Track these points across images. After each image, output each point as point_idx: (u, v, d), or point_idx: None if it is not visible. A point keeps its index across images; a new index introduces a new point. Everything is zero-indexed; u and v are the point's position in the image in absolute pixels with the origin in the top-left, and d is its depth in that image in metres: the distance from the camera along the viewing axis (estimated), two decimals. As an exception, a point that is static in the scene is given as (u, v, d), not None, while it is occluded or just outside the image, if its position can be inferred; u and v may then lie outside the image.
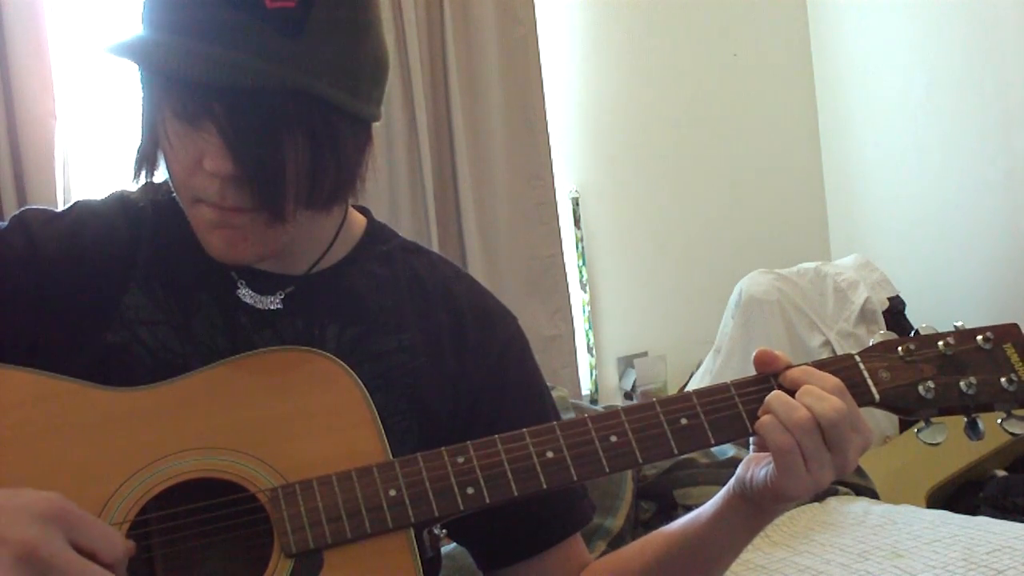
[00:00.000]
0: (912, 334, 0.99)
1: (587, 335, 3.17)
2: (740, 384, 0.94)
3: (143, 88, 0.91)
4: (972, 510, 2.47)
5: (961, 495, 2.76)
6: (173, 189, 0.94)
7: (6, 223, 0.99)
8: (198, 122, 0.86)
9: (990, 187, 3.10)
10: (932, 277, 3.28)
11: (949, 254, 3.26)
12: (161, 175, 0.96)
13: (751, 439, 0.95)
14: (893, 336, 0.99)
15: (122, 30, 0.90)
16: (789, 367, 0.94)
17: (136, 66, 0.89)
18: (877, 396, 0.95)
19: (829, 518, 2.17)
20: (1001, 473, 2.82)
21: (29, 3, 2.21)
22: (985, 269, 3.16)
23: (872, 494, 2.38)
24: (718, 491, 0.99)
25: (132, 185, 1.01)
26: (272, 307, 1.00)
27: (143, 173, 0.95)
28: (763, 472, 0.92)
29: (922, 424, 0.96)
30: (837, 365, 0.95)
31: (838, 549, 1.97)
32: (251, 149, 0.85)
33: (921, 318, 3.06)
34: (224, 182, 0.87)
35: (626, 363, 3.23)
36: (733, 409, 0.93)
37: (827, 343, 2.87)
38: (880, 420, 2.71)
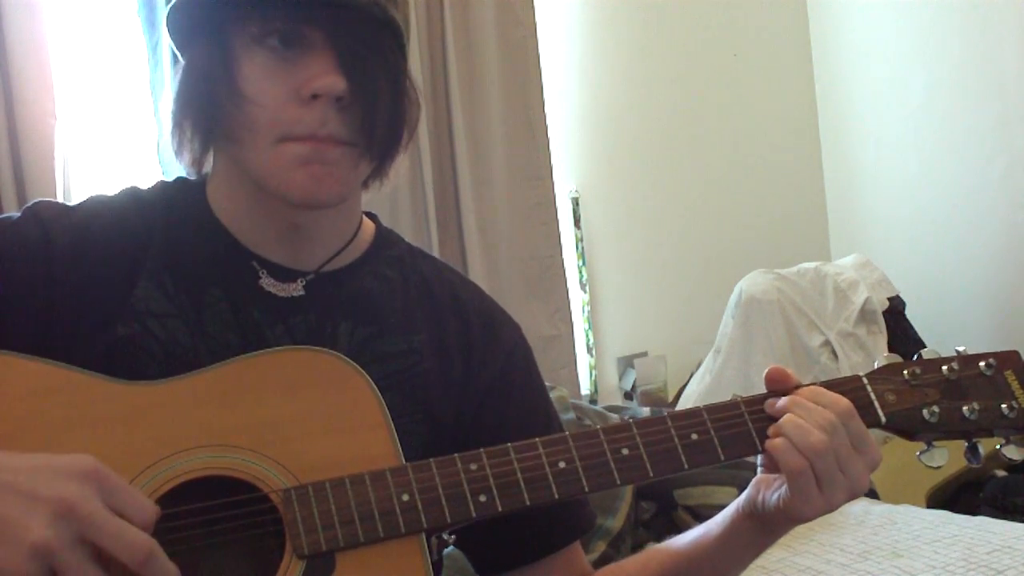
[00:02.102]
0: (915, 358, 1.01)
1: (587, 335, 3.17)
2: (750, 402, 0.96)
3: (216, 43, 0.92)
4: (972, 510, 2.47)
5: (961, 495, 2.77)
6: (250, 134, 0.92)
7: (19, 215, 0.98)
8: (307, 42, 0.90)
9: (989, 186, 3.11)
10: (932, 276, 3.29)
11: (949, 253, 3.26)
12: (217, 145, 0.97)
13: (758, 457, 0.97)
14: (898, 359, 1.01)
15: None
16: (799, 387, 0.95)
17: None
18: (883, 418, 0.96)
19: (829, 518, 2.15)
20: (1001, 473, 2.82)
21: (29, 3, 2.21)
22: (985, 268, 3.16)
23: (872, 494, 2.39)
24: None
25: (149, 178, 1.01)
26: (295, 294, 1.00)
27: (208, 131, 0.95)
28: (775, 496, 0.94)
29: (923, 446, 0.98)
30: (845, 387, 0.97)
31: (838, 549, 1.98)
32: (358, 69, 0.89)
33: (921, 318, 3.07)
34: (326, 107, 0.89)
35: (626, 363, 3.23)
36: (743, 427, 0.94)
37: (827, 343, 2.88)
38: (880, 420, 2.71)
